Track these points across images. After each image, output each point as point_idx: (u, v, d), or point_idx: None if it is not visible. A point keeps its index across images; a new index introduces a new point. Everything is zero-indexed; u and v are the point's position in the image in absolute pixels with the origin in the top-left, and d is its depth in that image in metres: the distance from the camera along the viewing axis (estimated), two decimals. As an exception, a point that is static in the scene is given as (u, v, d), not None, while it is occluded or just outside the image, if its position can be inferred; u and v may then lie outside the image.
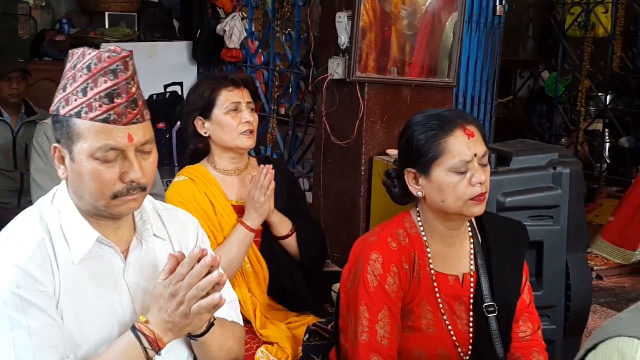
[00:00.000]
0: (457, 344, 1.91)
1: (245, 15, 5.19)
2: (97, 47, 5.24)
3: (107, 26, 5.64)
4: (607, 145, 5.97)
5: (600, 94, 5.90)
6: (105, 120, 1.45)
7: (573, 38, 6.02)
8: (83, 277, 1.50)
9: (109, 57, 1.46)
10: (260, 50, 5.16)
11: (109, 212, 1.50)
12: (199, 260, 1.46)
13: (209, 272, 1.46)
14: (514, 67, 6.53)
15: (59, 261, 1.48)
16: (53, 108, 1.50)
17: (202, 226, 2.36)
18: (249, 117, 2.44)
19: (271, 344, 2.37)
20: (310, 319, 2.45)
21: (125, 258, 1.57)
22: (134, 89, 1.48)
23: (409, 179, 1.88)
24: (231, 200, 2.48)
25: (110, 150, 1.45)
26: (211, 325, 1.57)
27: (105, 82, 1.45)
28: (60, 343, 1.44)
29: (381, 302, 1.84)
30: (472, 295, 1.92)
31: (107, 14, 5.65)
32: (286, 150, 4.74)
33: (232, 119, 2.43)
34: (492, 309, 1.91)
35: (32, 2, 5.63)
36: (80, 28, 5.78)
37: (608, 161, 5.95)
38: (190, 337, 1.57)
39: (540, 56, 6.43)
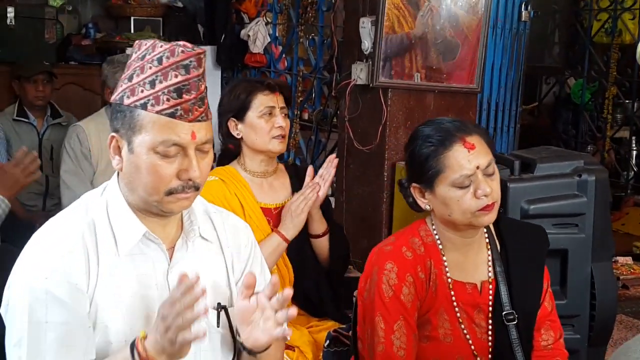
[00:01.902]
0: (476, 353, 1.89)
1: (269, 20, 5.21)
2: (122, 51, 5.30)
3: (132, 30, 5.68)
4: (634, 152, 5.89)
5: (627, 101, 5.83)
6: (172, 115, 1.43)
7: (599, 44, 5.96)
8: (123, 274, 1.48)
9: (182, 51, 1.44)
10: (284, 55, 5.17)
11: (160, 208, 1.48)
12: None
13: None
14: (539, 74, 6.47)
15: (100, 255, 1.47)
16: (116, 97, 1.48)
17: None
18: (282, 122, 2.46)
19: (292, 348, 2.37)
20: (331, 324, 2.44)
21: (170, 258, 1.54)
22: (203, 87, 1.47)
23: (415, 193, 1.88)
24: (260, 202, 2.49)
25: (172, 146, 1.43)
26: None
27: (176, 76, 1.43)
28: (79, 342, 1.43)
29: (397, 312, 1.82)
30: (490, 303, 1.90)
31: (132, 18, 5.70)
32: (309, 155, 4.74)
33: (265, 123, 2.44)
34: (512, 317, 1.88)
35: (59, 6, 5.68)
36: (106, 32, 5.83)
37: (635, 169, 5.87)
38: (249, 352, 1.53)
39: (566, 62, 6.36)
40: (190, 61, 1.44)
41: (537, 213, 2.55)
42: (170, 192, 1.46)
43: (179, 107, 1.43)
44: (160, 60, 1.44)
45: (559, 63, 6.36)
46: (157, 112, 1.43)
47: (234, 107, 2.47)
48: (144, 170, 1.45)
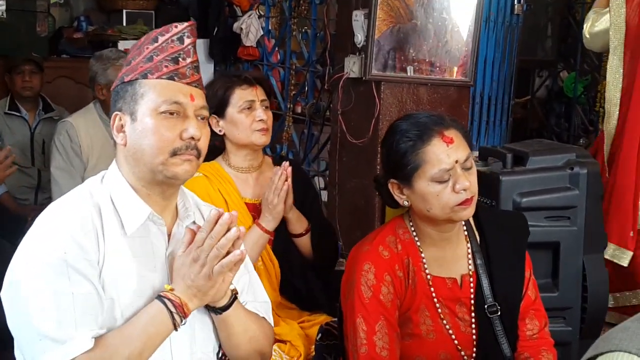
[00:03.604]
0: (460, 347, 1.88)
1: (262, 13, 5.20)
2: (115, 44, 5.28)
3: (124, 23, 5.66)
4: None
5: (619, 94, 5.83)
6: (171, 78, 1.54)
7: (592, 37, 5.95)
8: (126, 254, 1.53)
9: (176, 26, 1.56)
10: (277, 48, 5.16)
11: (165, 173, 1.53)
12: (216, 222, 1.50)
13: (228, 230, 1.50)
14: (532, 67, 6.47)
15: (105, 235, 1.51)
16: (117, 82, 1.59)
17: None
18: (263, 115, 2.44)
19: (284, 342, 2.37)
20: (323, 318, 2.44)
21: (168, 242, 1.60)
22: (196, 56, 1.58)
23: (393, 189, 1.86)
24: (244, 198, 2.48)
25: (173, 104, 1.52)
26: (234, 298, 1.60)
27: (172, 47, 1.55)
28: (99, 312, 1.48)
29: (377, 312, 1.81)
30: (472, 297, 1.89)
31: (124, 11, 5.68)
32: (302, 148, 4.73)
33: (245, 117, 2.43)
34: (494, 308, 1.88)
35: (51, -1, 5.66)
36: (98, 25, 5.81)
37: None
38: (214, 310, 1.59)
39: (558, 56, 6.37)
40: (184, 32, 1.56)
41: (529, 206, 2.56)
42: (174, 153, 1.53)
43: (177, 72, 1.55)
44: (156, 39, 1.56)
45: (552, 56, 6.36)
46: (157, 77, 1.53)
47: (214, 104, 2.42)
48: (149, 132, 1.52)
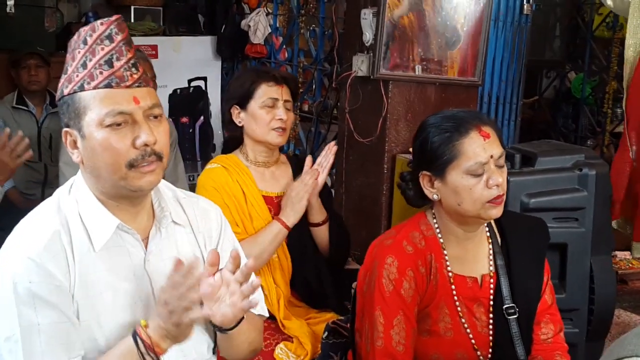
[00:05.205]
0: (476, 347, 1.88)
1: (270, 11, 5.19)
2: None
3: (132, 20, 5.66)
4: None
5: (627, 96, 5.81)
6: (108, 85, 1.43)
7: (600, 39, 5.94)
8: (100, 269, 1.47)
9: (101, 23, 1.46)
10: (284, 46, 5.16)
11: (127, 187, 1.46)
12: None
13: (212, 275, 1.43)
14: (540, 67, 6.46)
15: (75, 252, 1.46)
16: (57, 94, 1.50)
17: (233, 214, 2.40)
18: (283, 115, 2.45)
19: (290, 340, 2.38)
20: (330, 316, 2.45)
21: (145, 247, 1.54)
22: (131, 52, 1.47)
23: (423, 181, 1.86)
24: (261, 190, 2.50)
25: (118, 115, 1.42)
26: (240, 319, 1.54)
27: (102, 49, 1.44)
28: (71, 339, 1.43)
29: (396, 306, 1.81)
30: (491, 297, 1.89)
31: (132, 7, 5.68)
32: (308, 146, 4.73)
33: (266, 114, 2.45)
34: (512, 310, 1.88)
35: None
36: (106, 21, 5.81)
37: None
38: (220, 330, 1.54)
39: (567, 56, 6.35)
40: (111, 29, 1.46)
41: (538, 207, 2.54)
42: (131, 165, 1.44)
43: (113, 77, 1.44)
44: (85, 42, 1.46)
45: (560, 57, 6.35)
46: (94, 88, 1.43)
47: (238, 95, 2.48)
48: (99, 148, 1.43)
